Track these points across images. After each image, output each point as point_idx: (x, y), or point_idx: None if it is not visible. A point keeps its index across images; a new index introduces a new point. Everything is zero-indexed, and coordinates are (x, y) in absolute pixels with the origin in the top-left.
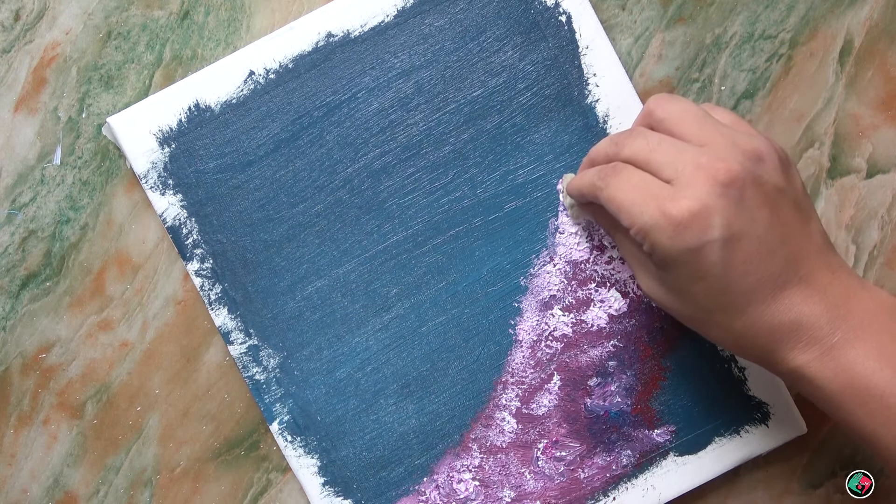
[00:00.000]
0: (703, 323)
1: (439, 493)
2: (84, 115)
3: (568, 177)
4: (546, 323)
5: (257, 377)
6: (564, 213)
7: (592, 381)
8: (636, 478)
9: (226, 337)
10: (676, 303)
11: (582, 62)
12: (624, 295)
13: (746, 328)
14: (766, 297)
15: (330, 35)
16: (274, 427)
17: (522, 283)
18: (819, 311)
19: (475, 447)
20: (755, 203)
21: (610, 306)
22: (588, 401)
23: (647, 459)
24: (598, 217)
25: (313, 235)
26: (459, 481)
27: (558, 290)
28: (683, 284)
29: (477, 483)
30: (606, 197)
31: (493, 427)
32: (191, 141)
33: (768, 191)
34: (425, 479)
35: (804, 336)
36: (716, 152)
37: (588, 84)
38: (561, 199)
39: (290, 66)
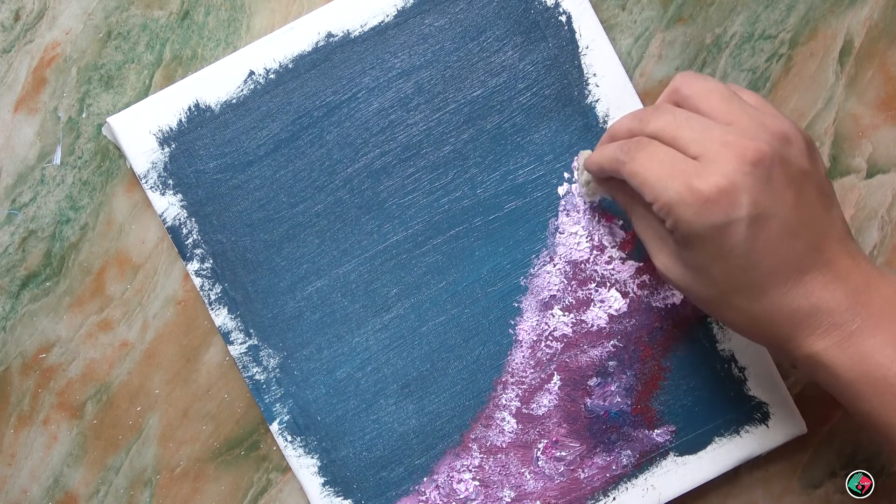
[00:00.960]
0: (719, 305)
1: (439, 493)
2: (84, 115)
3: (584, 153)
4: (546, 323)
5: (257, 377)
6: (565, 212)
7: (592, 381)
8: (636, 478)
9: (226, 337)
10: (694, 282)
11: (582, 62)
12: (624, 295)
13: (765, 311)
14: (787, 281)
15: (330, 35)
16: (274, 427)
17: (522, 283)
18: (839, 297)
19: (475, 447)
20: (782, 184)
21: (610, 306)
22: (588, 401)
23: (647, 459)
24: (615, 192)
25: (313, 235)
26: (459, 481)
27: (558, 290)
28: (704, 263)
29: (477, 483)
30: (630, 171)
31: (493, 427)
32: (191, 141)
33: (794, 173)
34: (425, 479)
35: (823, 322)
36: (743, 131)
37: (588, 84)
38: (575, 175)
39: (290, 66)
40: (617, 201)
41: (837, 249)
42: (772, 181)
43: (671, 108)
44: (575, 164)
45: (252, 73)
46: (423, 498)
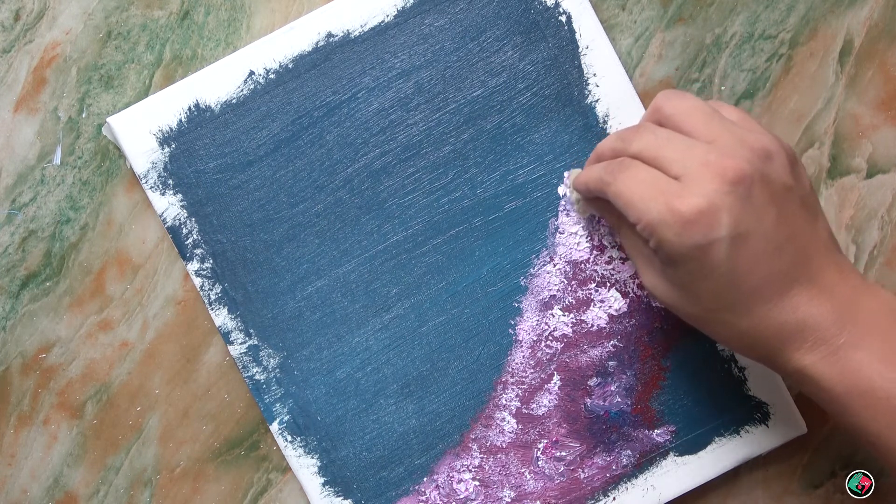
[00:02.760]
0: (707, 321)
1: (439, 493)
2: (84, 115)
3: (574, 171)
4: (546, 323)
5: (257, 377)
6: (565, 212)
7: (592, 381)
8: (636, 478)
9: (226, 337)
10: (681, 301)
11: (582, 62)
12: (624, 295)
13: (752, 327)
14: (773, 296)
15: (330, 35)
16: (274, 427)
17: (522, 283)
18: (826, 311)
19: (475, 447)
20: (763, 201)
21: (610, 306)
22: (588, 401)
23: (647, 459)
24: (603, 212)
25: (313, 235)
26: (459, 481)
27: (558, 290)
28: (689, 282)
29: (477, 483)
30: (614, 192)
31: (493, 427)
32: (191, 141)
33: (776, 189)
34: (425, 479)
35: (810, 336)
36: (724, 149)
37: (588, 84)
38: (566, 193)
39: (290, 66)
40: (605, 220)
41: (823, 263)
42: (752, 199)
43: (653, 128)
44: (565, 181)
45: (252, 73)
46: (423, 498)
